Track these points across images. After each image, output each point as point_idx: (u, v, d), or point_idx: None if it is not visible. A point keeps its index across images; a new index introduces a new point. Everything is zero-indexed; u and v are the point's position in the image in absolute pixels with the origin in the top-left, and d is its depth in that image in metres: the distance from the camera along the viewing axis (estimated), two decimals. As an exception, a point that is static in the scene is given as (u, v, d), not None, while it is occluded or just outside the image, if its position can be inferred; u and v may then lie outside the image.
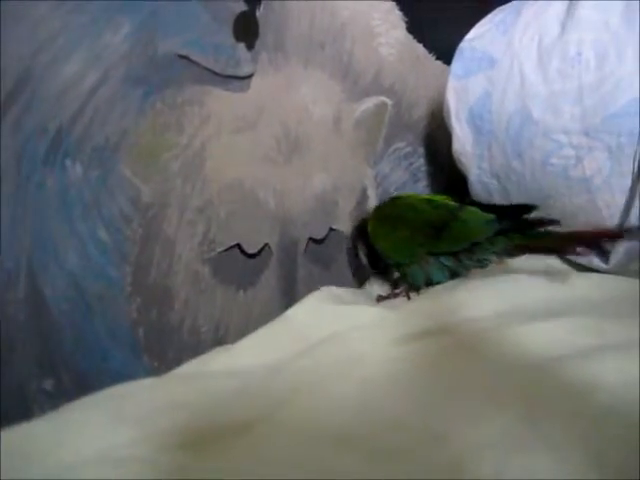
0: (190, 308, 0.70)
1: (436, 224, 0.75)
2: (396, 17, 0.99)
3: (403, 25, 1.00)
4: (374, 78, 0.96)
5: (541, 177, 0.80)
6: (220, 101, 0.71)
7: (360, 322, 0.64)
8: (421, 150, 1.09)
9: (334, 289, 0.78)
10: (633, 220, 0.73)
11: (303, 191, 0.84)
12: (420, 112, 1.07)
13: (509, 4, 0.93)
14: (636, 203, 0.72)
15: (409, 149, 1.06)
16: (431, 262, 0.76)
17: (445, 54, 1.00)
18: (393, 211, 0.82)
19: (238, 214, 0.74)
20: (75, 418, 0.47)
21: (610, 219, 0.75)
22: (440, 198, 0.80)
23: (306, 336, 0.60)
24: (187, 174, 0.68)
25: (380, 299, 0.79)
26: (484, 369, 0.51)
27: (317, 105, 0.85)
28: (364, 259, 0.88)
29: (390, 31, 0.98)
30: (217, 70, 0.70)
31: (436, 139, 1.09)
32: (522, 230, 0.73)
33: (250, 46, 0.74)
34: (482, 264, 0.76)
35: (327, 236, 0.89)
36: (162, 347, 0.68)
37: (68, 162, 0.58)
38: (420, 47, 1.05)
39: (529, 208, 0.74)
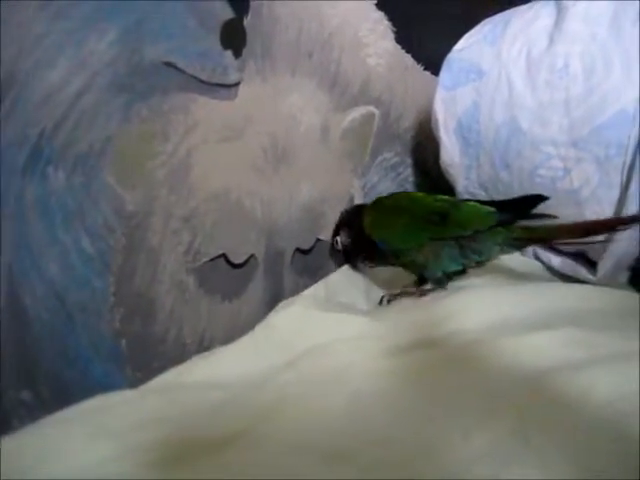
0: (174, 319, 0.69)
1: (439, 211, 0.75)
2: (385, 27, 0.99)
3: (392, 35, 1.00)
4: (362, 88, 0.95)
5: (529, 188, 0.80)
6: (206, 109, 0.70)
7: (347, 333, 0.63)
8: (409, 161, 1.09)
9: (320, 289, 0.77)
10: (620, 232, 0.72)
11: (290, 201, 0.83)
12: (408, 122, 1.07)
13: (497, 15, 0.93)
14: (624, 213, 0.72)
15: (397, 159, 1.06)
16: (438, 249, 0.75)
17: (434, 65, 1.00)
18: (394, 203, 0.81)
19: (224, 224, 0.73)
20: (54, 433, 0.46)
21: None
22: (438, 194, 0.80)
23: (290, 345, 0.60)
24: (172, 183, 0.67)
25: (392, 298, 0.78)
26: (474, 382, 0.50)
27: (305, 114, 0.84)
28: (339, 247, 0.87)
29: (379, 41, 0.97)
30: (203, 78, 0.69)
31: (424, 150, 1.09)
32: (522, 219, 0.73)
33: (237, 54, 0.73)
34: (484, 256, 0.76)
35: (314, 246, 0.88)
36: (146, 358, 0.67)
37: (50, 169, 0.57)
38: (409, 57, 1.05)
39: (528, 202, 0.73)
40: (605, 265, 0.77)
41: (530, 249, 0.92)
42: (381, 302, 0.79)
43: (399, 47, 1.02)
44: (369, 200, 0.96)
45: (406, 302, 0.76)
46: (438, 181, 0.99)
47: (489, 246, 0.74)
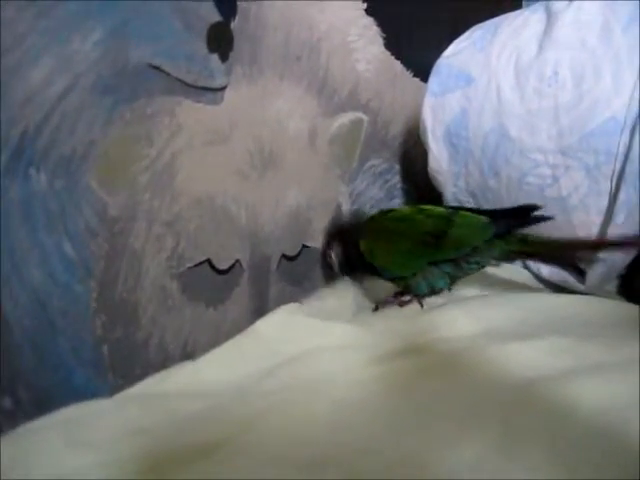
0: (157, 325, 0.68)
1: (434, 233, 0.74)
2: (374, 33, 0.98)
3: (381, 41, 1.00)
4: (350, 94, 0.95)
5: (517, 196, 0.80)
6: (192, 113, 0.69)
7: (331, 341, 0.62)
8: (397, 167, 1.09)
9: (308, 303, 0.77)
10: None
11: (276, 207, 0.82)
12: (397, 129, 1.07)
13: (487, 22, 0.93)
14: (613, 223, 0.72)
15: (385, 166, 1.05)
16: (432, 271, 0.75)
17: (423, 71, 0.99)
18: (387, 226, 0.79)
19: (208, 229, 0.72)
20: (32, 442, 0.45)
21: (587, 238, 0.75)
22: (428, 207, 0.79)
23: (275, 353, 0.59)
24: (156, 187, 0.66)
25: (383, 305, 0.77)
26: (460, 391, 0.49)
27: (292, 120, 0.83)
28: (336, 264, 0.86)
29: (367, 47, 0.97)
30: (189, 81, 0.68)
31: (412, 156, 1.08)
32: (520, 228, 0.73)
33: (224, 58, 0.72)
34: (478, 267, 0.76)
35: (300, 253, 0.87)
36: (128, 365, 0.66)
37: (32, 171, 0.55)
38: (398, 64, 1.05)
39: (522, 211, 0.73)
40: (594, 274, 0.76)
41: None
42: (376, 309, 0.78)
43: (388, 53, 1.02)
44: (356, 207, 0.95)
45: (392, 311, 0.75)
46: (426, 188, 0.99)
47: (485, 258, 0.74)
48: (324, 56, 0.88)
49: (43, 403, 0.57)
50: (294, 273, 0.87)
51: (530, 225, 0.72)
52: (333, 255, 0.85)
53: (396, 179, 1.09)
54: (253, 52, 0.77)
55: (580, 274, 0.79)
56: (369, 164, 1.01)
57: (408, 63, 1.06)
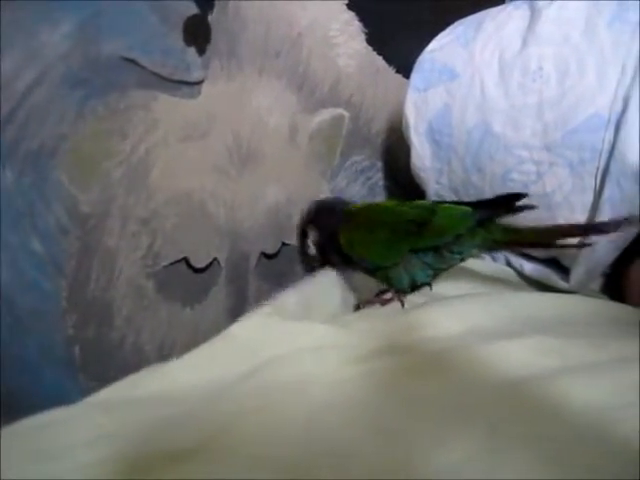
0: (132, 325, 0.67)
1: (418, 221, 0.72)
2: (355, 28, 0.97)
3: (363, 36, 0.98)
4: (331, 89, 0.93)
5: (501, 192, 0.78)
6: (168, 107, 0.68)
7: (310, 342, 0.60)
8: (380, 164, 1.07)
9: (286, 300, 0.75)
10: (594, 237, 0.71)
11: (255, 204, 0.81)
12: (379, 125, 1.05)
13: (470, 17, 0.92)
14: (597, 220, 0.71)
15: (367, 163, 1.04)
16: (413, 261, 0.73)
17: (405, 67, 0.98)
18: (368, 216, 0.77)
19: (185, 226, 0.71)
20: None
21: (570, 236, 0.74)
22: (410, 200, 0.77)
23: (250, 356, 0.57)
24: (130, 183, 0.65)
25: (364, 304, 0.76)
26: (444, 391, 0.48)
27: (271, 115, 0.82)
28: (313, 250, 0.84)
29: (349, 42, 0.95)
30: (165, 75, 0.67)
31: (395, 153, 1.07)
32: (502, 216, 0.71)
33: (201, 51, 0.71)
34: (460, 257, 0.74)
35: (280, 251, 0.86)
36: (101, 366, 0.64)
37: (-3, 167, 0.54)
38: (380, 59, 1.03)
39: (505, 201, 0.72)
40: (578, 272, 0.76)
41: (502, 256, 0.90)
42: (357, 308, 0.77)
43: (370, 48, 1.01)
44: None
45: (373, 311, 0.74)
46: (409, 185, 0.98)
47: (467, 247, 0.73)
48: (305, 51, 0.87)
49: (11, 405, 0.56)
50: (274, 272, 0.86)
51: (513, 213, 0.71)
52: (311, 243, 0.84)
53: (378, 176, 1.08)
54: (231, 46, 0.75)
55: (564, 272, 0.79)
56: (351, 161, 1.00)
57: (390, 59, 1.05)
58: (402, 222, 0.73)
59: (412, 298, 0.74)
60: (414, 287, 0.75)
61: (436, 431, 0.42)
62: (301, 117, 0.88)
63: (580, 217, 0.73)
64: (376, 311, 0.73)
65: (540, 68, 0.76)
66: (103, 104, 0.61)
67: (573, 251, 0.75)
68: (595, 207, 0.72)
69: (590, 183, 0.72)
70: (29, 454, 0.42)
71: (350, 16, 0.95)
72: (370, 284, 0.79)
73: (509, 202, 0.71)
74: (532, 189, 0.75)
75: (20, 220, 0.56)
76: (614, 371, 0.47)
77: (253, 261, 0.81)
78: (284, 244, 0.86)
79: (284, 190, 0.85)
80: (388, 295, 0.75)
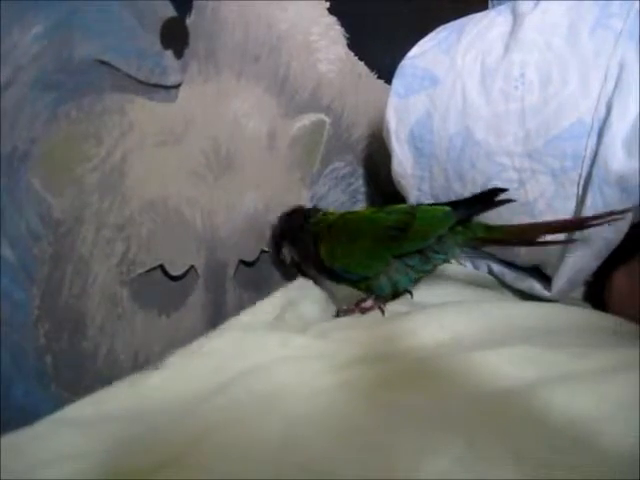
0: (106, 334, 0.65)
1: (398, 226, 0.71)
2: (337, 33, 0.96)
3: (344, 41, 0.98)
4: (312, 94, 0.92)
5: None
6: (144, 111, 0.66)
7: (287, 353, 0.59)
8: (360, 171, 1.07)
9: (267, 307, 0.74)
10: (577, 245, 0.71)
11: (233, 210, 0.79)
12: (360, 132, 1.05)
13: (452, 22, 0.92)
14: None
15: (348, 169, 1.03)
16: (397, 267, 0.72)
17: (387, 73, 0.98)
18: (347, 226, 0.77)
19: (161, 233, 0.69)
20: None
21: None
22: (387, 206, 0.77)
23: (223, 370, 0.55)
24: (105, 189, 0.63)
25: (343, 313, 0.75)
26: (423, 402, 0.47)
27: (250, 120, 0.80)
28: (288, 259, 0.83)
29: (330, 47, 0.95)
30: (141, 78, 0.65)
31: (376, 160, 1.07)
32: (481, 212, 0.72)
33: (179, 54, 0.70)
34: (444, 258, 0.74)
35: (258, 259, 0.85)
36: (73, 376, 0.62)
37: (-35, 171, 0.52)
38: (361, 65, 1.03)
39: (484, 198, 0.72)
40: (560, 280, 0.75)
41: (484, 264, 0.90)
42: (336, 316, 0.76)
43: (352, 54, 1.00)
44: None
45: (352, 320, 0.73)
46: (390, 192, 0.97)
47: (450, 247, 0.72)
48: (285, 55, 0.86)
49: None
50: (252, 279, 0.84)
51: (491, 208, 0.71)
52: (286, 255, 0.83)
53: (359, 183, 1.07)
54: (210, 49, 0.74)
55: (546, 280, 0.78)
56: (331, 167, 0.99)
57: (372, 64, 1.05)
58: (382, 229, 0.72)
59: (393, 307, 0.74)
60: (395, 294, 0.75)
61: (414, 445, 0.41)
62: (281, 122, 0.87)
63: (562, 224, 0.73)
64: (355, 320, 0.72)
65: (522, 75, 0.75)
66: (77, 107, 0.60)
67: (555, 259, 0.75)
68: (578, 214, 0.71)
69: (572, 190, 0.72)
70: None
71: (331, 20, 0.94)
72: (349, 292, 0.78)
73: (487, 198, 0.71)
74: (514, 196, 0.75)
75: (-11, 226, 0.54)
76: (596, 382, 0.47)
77: (231, 269, 0.80)
78: (263, 251, 0.85)
79: (263, 196, 0.84)
80: (368, 303, 0.74)
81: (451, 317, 0.66)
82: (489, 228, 0.72)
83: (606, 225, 0.68)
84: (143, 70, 0.66)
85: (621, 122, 0.67)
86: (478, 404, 0.45)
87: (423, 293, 0.78)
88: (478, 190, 0.80)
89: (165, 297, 0.71)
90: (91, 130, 0.62)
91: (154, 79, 0.67)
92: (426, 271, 0.74)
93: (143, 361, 0.69)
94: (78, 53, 0.60)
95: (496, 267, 0.88)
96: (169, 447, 0.43)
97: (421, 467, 0.38)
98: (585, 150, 0.70)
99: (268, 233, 0.86)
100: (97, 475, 0.40)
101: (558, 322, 0.66)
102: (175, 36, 0.69)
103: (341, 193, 1.02)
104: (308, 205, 0.93)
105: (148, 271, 0.68)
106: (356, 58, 1.02)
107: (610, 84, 0.69)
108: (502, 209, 0.73)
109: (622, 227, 0.69)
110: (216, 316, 0.77)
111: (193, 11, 0.71)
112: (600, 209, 0.69)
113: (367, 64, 1.04)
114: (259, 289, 0.85)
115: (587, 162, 0.70)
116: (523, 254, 0.81)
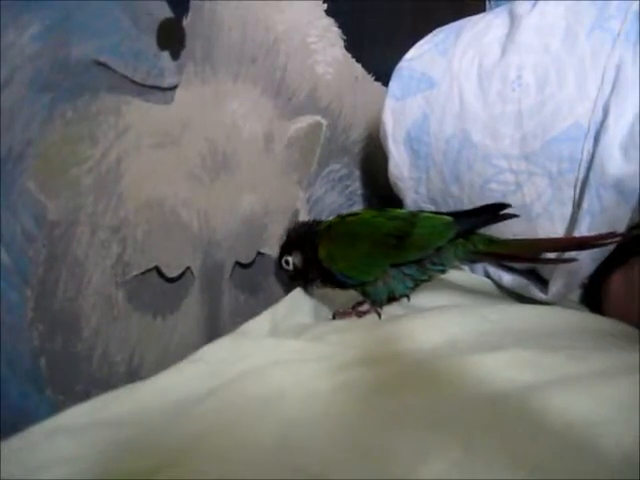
0: (101, 336, 0.65)
1: (397, 234, 0.71)
2: (334, 35, 0.96)
3: (341, 43, 0.98)
4: (309, 96, 0.92)
5: (479, 202, 0.78)
6: (140, 113, 0.66)
7: (282, 356, 0.59)
8: (357, 173, 1.07)
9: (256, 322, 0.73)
10: (575, 253, 0.71)
11: (230, 212, 0.79)
12: (357, 134, 1.05)
13: (449, 25, 0.91)
14: (576, 231, 0.70)
15: (345, 171, 1.03)
16: (394, 274, 0.72)
17: (384, 75, 0.98)
18: (347, 229, 0.76)
19: (157, 235, 0.69)
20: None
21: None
22: (388, 209, 0.77)
23: (220, 373, 0.55)
24: (100, 190, 0.63)
25: (339, 316, 0.75)
26: (420, 405, 0.47)
27: (247, 122, 0.80)
28: (290, 269, 0.82)
29: (327, 49, 0.95)
30: (137, 79, 0.65)
31: (373, 162, 1.06)
32: (483, 226, 0.72)
33: (175, 56, 0.69)
34: (442, 269, 0.74)
35: (255, 260, 0.84)
36: (68, 379, 0.62)
37: (-41, 173, 0.52)
38: (359, 67, 1.03)
39: (486, 211, 0.72)
40: (557, 283, 0.75)
41: (481, 267, 0.90)
42: (333, 318, 0.76)
43: (349, 56, 1.00)
44: (314, 213, 0.93)
45: (349, 323, 0.72)
46: (387, 194, 0.97)
47: (449, 258, 0.72)
48: (282, 57, 0.86)
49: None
50: (249, 281, 0.84)
51: (494, 223, 0.70)
52: (291, 262, 0.82)
53: (356, 185, 1.07)
54: (206, 51, 0.74)
55: (543, 283, 0.78)
56: (328, 169, 0.99)
57: (369, 66, 1.05)
58: (381, 235, 0.72)
59: (389, 310, 0.74)
60: (391, 299, 0.74)
61: (412, 448, 0.41)
62: (278, 124, 0.86)
63: (560, 228, 0.73)
64: (351, 323, 0.72)
65: (519, 77, 0.75)
66: (73, 108, 0.60)
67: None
68: (575, 218, 0.71)
69: (569, 194, 0.72)
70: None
71: (329, 22, 0.94)
72: (346, 300, 0.78)
73: (490, 212, 0.70)
74: (511, 199, 0.75)
75: (-16, 227, 0.54)
76: (593, 384, 0.47)
77: (227, 270, 0.80)
78: (259, 253, 0.85)
79: (260, 198, 0.84)
80: (365, 307, 0.74)
81: (448, 320, 0.66)
82: (491, 242, 0.72)
83: (603, 228, 0.68)
84: (139, 71, 0.65)
85: (618, 125, 0.67)
86: (475, 407, 0.45)
87: (420, 296, 0.78)
88: (475, 192, 0.80)
89: (161, 299, 0.71)
90: (87, 131, 0.61)
91: (150, 80, 0.67)
92: (423, 280, 0.74)
93: (138, 363, 0.69)
94: (74, 54, 0.59)
95: (493, 270, 0.88)
96: (165, 450, 0.43)
97: (418, 470, 0.38)
98: (582, 153, 0.70)
99: (264, 235, 0.85)
100: (93, 477, 0.40)
101: (555, 325, 0.66)
102: (172, 37, 0.69)
103: (338, 195, 1.02)
104: (304, 206, 0.93)
105: (143, 273, 0.68)
106: (353, 60, 1.01)
107: (607, 87, 0.69)
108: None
109: (618, 230, 0.68)
110: (212, 318, 0.77)
111: (190, 12, 0.71)
112: (597, 213, 0.68)
113: (364, 66, 1.04)
114: (255, 291, 0.85)
115: (584, 165, 0.70)
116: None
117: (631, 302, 0.74)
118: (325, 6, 0.93)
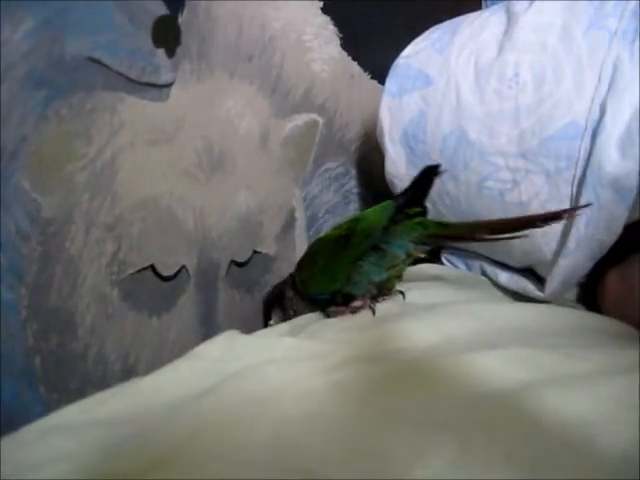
0: (96, 335, 0.64)
1: (344, 234, 0.71)
2: (330, 32, 0.96)
3: (337, 41, 0.98)
4: (305, 94, 0.92)
5: (476, 200, 0.78)
6: (135, 110, 0.66)
7: (278, 354, 0.59)
8: (353, 171, 1.06)
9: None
10: (570, 247, 0.70)
11: (225, 210, 0.79)
12: (353, 132, 1.04)
13: (446, 22, 0.91)
14: (574, 229, 0.70)
15: (341, 170, 1.03)
16: (361, 265, 0.71)
17: (380, 73, 0.97)
18: (308, 253, 0.78)
19: (152, 233, 0.69)
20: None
21: (547, 245, 0.74)
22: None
23: (216, 372, 0.55)
24: (95, 188, 0.63)
25: (333, 314, 0.74)
26: (415, 404, 0.47)
27: (243, 119, 0.80)
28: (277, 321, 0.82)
29: (323, 46, 0.94)
30: (132, 76, 0.65)
31: (370, 160, 1.06)
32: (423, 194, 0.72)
33: (171, 53, 0.69)
34: (402, 250, 0.72)
35: (250, 259, 0.84)
36: (63, 378, 0.62)
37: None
38: (355, 65, 1.03)
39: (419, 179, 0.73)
40: (553, 282, 0.75)
41: (477, 265, 0.89)
42: (328, 316, 0.75)
43: (345, 53, 1.00)
44: (310, 212, 0.93)
45: (344, 322, 0.72)
46: (383, 192, 0.97)
47: (401, 237, 0.71)
48: (278, 55, 0.86)
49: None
50: (244, 280, 0.84)
51: (430, 187, 0.72)
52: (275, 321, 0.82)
53: (352, 183, 1.06)
54: (202, 48, 0.74)
55: (539, 282, 0.78)
56: (324, 167, 0.98)
57: (365, 64, 1.04)
58: (331, 243, 0.72)
59: (384, 308, 0.73)
60: (378, 289, 0.74)
61: (406, 448, 0.41)
62: (273, 122, 0.86)
63: (556, 226, 0.72)
64: (346, 321, 0.71)
65: (516, 75, 0.75)
66: (67, 105, 0.59)
67: (548, 261, 0.75)
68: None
69: (566, 191, 0.71)
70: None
71: (325, 20, 0.94)
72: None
73: (424, 179, 0.71)
74: (508, 197, 0.74)
75: (-23, 225, 0.54)
76: (590, 383, 0.46)
77: (223, 269, 0.79)
78: (255, 252, 0.85)
79: (255, 196, 0.83)
80: (358, 302, 0.73)
81: (443, 318, 0.66)
82: (443, 225, 0.71)
83: (600, 226, 0.68)
84: (134, 68, 0.65)
85: (615, 123, 0.67)
86: (470, 406, 0.45)
87: (415, 294, 0.77)
88: (472, 190, 0.79)
89: (156, 297, 0.71)
90: (81, 128, 0.61)
91: (145, 78, 0.66)
92: (394, 266, 0.73)
93: (133, 362, 0.68)
94: (69, 50, 0.59)
95: (489, 268, 0.87)
96: (160, 448, 0.42)
97: (413, 470, 0.38)
98: (579, 151, 0.70)
99: (260, 233, 0.85)
100: (88, 476, 0.40)
101: (551, 323, 0.66)
102: (167, 34, 0.68)
103: (334, 193, 1.02)
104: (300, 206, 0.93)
105: (139, 271, 0.68)
106: (349, 58, 1.01)
107: (604, 85, 0.69)
108: (496, 210, 0.73)
109: (616, 229, 0.68)
110: (207, 316, 0.77)
111: (185, 9, 0.71)
112: (594, 210, 0.68)
113: (360, 64, 1.04)
114: (250, 289, 0.85)
115: (581, 163, 0.70)
116: (516, 255, 0.81)
117: (627, 300, 0.74)
118: (321, 4, 0.93)
